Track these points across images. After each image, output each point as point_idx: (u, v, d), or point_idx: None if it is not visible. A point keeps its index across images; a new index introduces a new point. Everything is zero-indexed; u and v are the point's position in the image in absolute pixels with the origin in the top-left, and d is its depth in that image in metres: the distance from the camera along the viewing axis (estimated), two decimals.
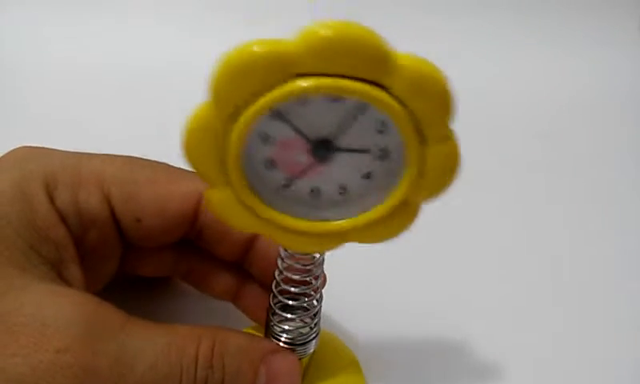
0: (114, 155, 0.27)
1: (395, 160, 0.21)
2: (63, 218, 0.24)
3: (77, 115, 0.50)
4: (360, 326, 0.33)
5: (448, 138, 0.21)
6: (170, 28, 0.58)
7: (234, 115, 0.20)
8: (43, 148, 0.26)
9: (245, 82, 0.19)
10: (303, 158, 0.21)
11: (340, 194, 0.22)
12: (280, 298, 0.26)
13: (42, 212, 0.23)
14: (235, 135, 0.20)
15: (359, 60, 0.19)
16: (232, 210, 0.22)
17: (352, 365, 0.30)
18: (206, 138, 0.20)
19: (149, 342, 0.22)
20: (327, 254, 0.26)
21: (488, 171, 0.47)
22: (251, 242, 0.28)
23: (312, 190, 0.22)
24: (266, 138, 0.21)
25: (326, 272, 0.27)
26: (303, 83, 0.19)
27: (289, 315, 0.26)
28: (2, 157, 0.25)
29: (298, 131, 0.21)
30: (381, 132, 0.21)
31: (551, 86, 0.58)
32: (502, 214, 0.43)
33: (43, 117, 0.49)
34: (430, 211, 0.37)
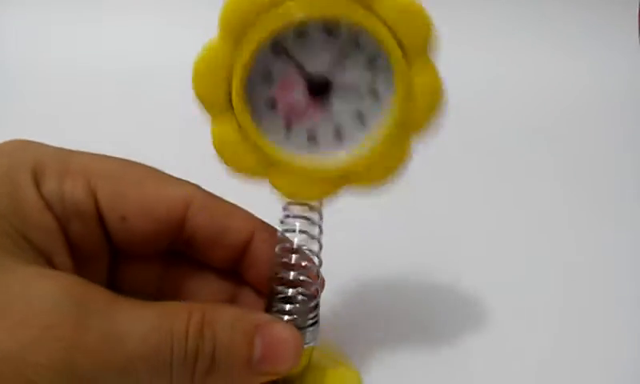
0: (105, 155, 0.27)
1: (384, 99, 0.24)
2: (50, 207, 0.24)
3: (76, 115, 0.50)
4: (357, 330, 0.32)
5: (431, 67, 0.23)
6: (171, 28, 0.60)
7: (240, 47, 0.22)
8: (35, 141, 0.26)
9: (249, 9, 0.22)
10: (301, 95, 0.23)
11: (335, 137, 0.24)
12: (279, 288, 0.26)
13: (29, 200, 0.24)
14: (240, 63, 0.22)
15: None
16: (233, 146, 0.23)
17: (349, 371, 0.30)
18: (213, 66, 0.22)
19: (138, 317, 0.22)
20: (324, 255, 0.26)
21: (487, 170, 0.48)
22: (245, 245, 0.28)
23: (309, 137, 0.24)
24: (268, 77, 0.23)
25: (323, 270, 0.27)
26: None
27: (287, 307, 0.26)
28: None
29: (297, 64, 0.23)
30: (370, 70, 0.23)
31: (550, 87, 0.58)
32: (501, 213, 0.43)
33: (42, 116, 0.49)
34: (430, 209, 0.37)
